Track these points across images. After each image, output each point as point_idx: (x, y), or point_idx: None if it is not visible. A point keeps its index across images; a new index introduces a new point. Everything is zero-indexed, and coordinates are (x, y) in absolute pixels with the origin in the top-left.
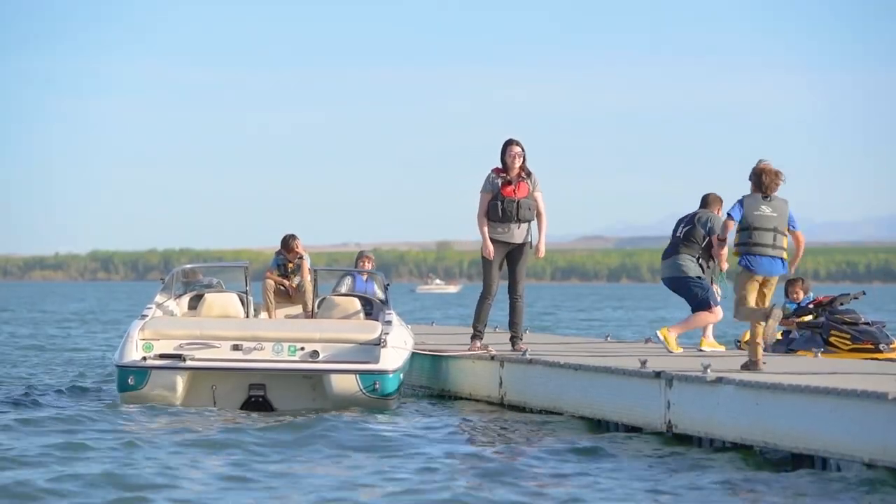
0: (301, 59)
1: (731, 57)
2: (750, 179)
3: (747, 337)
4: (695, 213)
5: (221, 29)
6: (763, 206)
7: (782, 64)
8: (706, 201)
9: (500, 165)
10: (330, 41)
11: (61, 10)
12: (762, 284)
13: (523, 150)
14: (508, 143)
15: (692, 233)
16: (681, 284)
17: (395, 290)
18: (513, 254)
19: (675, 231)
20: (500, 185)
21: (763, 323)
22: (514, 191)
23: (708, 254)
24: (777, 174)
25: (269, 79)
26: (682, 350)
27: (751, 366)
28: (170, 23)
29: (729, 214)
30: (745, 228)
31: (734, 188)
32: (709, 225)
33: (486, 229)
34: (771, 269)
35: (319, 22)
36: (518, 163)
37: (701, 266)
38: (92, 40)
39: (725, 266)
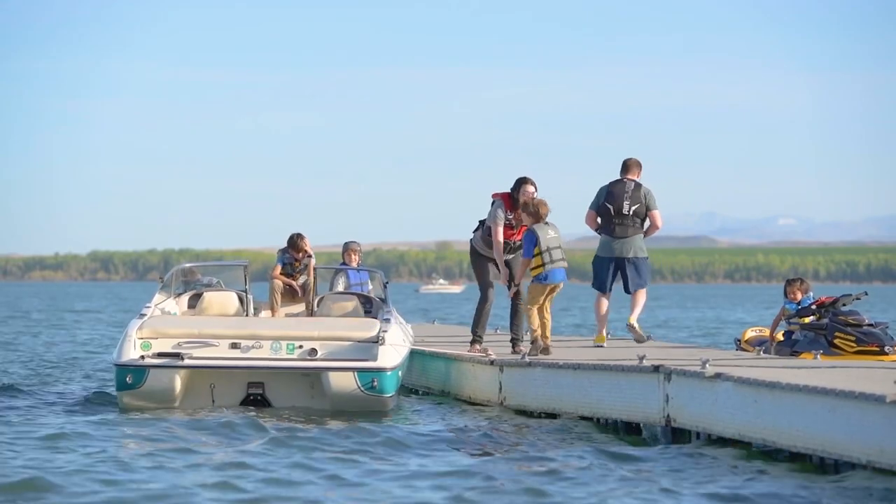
0: (301, 60)
1: (731, 57)
2: (528, 212)
3: (747, 336)
4: (633, 190)
5: (222, 30)
6: (550, 231)
7: (782, 64)
8: (627, 166)
9: (504, 191)
10: (330, 42)
11: (61, 10)
12: (552, 289)
13: (536, 189)
14: (524, 182)
15: (640, 211)
16: (634, 264)
17: (399, 290)
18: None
19: (616, 207)
20: (504, 223)
21: (536, 326)
22: (513, 234)
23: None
24: (546, 204)
25: (270, 79)
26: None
27: (541, 351)
28: (170, 23)
29: (528, 240)
30: (545, 251)
31: (733, 187)
32: (648, 201)
33: (503, 258)
34: (562, 277)
35: (320, 23)
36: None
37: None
38: (92, 40)
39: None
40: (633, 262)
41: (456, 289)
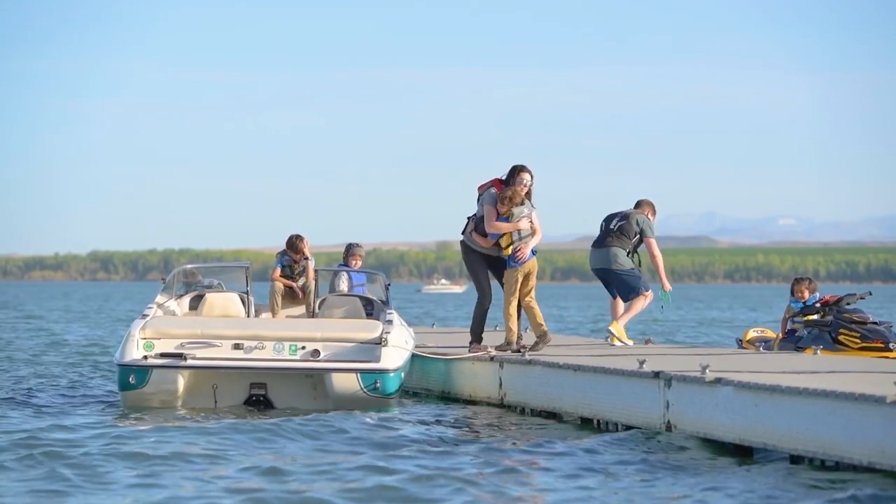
0: (301, 60)
1: (731, 57)
2: (504, 202)
3: (749, 336)
4: (628, 212)
5: (222, 30)
6: (524, 210)
7: (782, 64)
8: (639, 204)
9: (498, 178)
10: (330, 42)
11: (61, 10)
12: (526, 275)
13: (532, 178)
14: (521, 170)
15: (626, 228)
16: (613, 275)
17: (400, 290)
18: (496, 263)
19: (607, 224)
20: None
21: (513, 326)
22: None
23: (635, 250)
24: (519, 191)
25: (270, 79)
26: (633, 342)
27: (507, 346)
28: (170, 23)
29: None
30: (514, 231)
31: (733, 187)
32: (642, 226)
33: (503, 225)
34: (529, 255)
35: (320, 23)
36: (524, 192)
37: (631, 258)
38: (92, 40)
39: (669, 287)
40: (614, 273)
41: (458, 289)
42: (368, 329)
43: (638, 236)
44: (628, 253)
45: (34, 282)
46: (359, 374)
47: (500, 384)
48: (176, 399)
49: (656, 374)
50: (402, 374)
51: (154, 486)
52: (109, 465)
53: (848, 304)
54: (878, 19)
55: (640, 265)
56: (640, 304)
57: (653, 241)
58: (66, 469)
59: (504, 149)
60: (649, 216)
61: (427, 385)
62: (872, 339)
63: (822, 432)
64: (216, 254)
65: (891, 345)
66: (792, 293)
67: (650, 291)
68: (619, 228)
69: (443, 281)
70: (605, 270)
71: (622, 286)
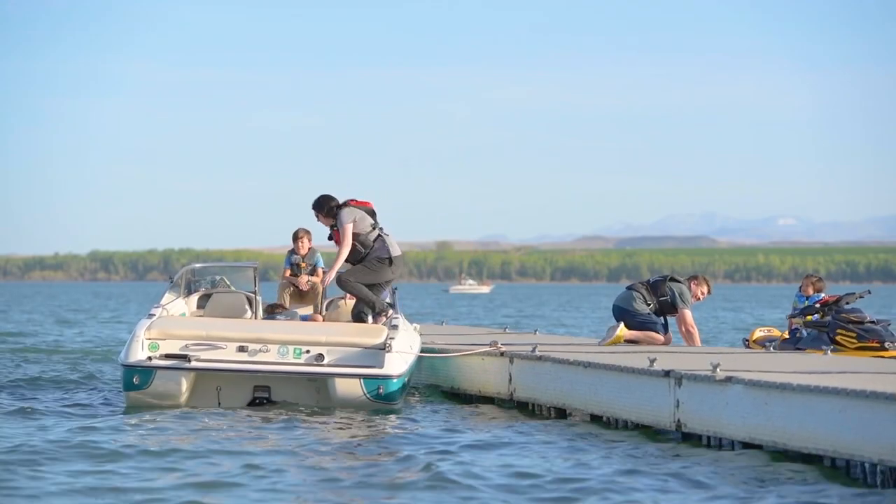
0: (301, 60)
1: (731, 57)
2: None
3: (755, 336)
4: (668, 276)
5: (222, 30)
6: None
7: (782, 64)
8: (695, 277)
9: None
10: (329, 42)
11: (61, 10)
12: None
13: (317, 210)
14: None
15: (658, 286)
16: (628, 316)
17: (428, 291)
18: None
19: (651, 277)
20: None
21: None
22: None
23: (656, 308)
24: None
25: (270, 79)
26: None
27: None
28: (170, 23)
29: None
30: None
31: (733, 187)
32: (672, 293)
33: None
34: None
35: (319, 23)
36: (322, 221)
37: (649, 306)
38: (92, 40)
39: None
40: (630, 314)
41: (485, 289)
42: (373, 334)
43: (667, 300)
44: (647, 304)
45: (34, 282)
46: (362, 380)
47: (510, 380)
48: (179, 400)
49: (667, 373)
50: (406, 379)
51: (148, 488)
52: (111, 464)
53: (847, 303)
54: (878, 18)
55: (665, 330)
56: (655, 339)
57: (687, 313)
58: (60, 468)
59: (504, 149)
60: (692, 287)
61: (436, 381)
62: (868, 338)
63: (833, 431)
64: (216, 254)
65: (886, 344)
66: (800, 289)
67: (669, 335)
68: (653, 283)
69: (470, 281)
70: (621, 310)
71: (636, 326)
